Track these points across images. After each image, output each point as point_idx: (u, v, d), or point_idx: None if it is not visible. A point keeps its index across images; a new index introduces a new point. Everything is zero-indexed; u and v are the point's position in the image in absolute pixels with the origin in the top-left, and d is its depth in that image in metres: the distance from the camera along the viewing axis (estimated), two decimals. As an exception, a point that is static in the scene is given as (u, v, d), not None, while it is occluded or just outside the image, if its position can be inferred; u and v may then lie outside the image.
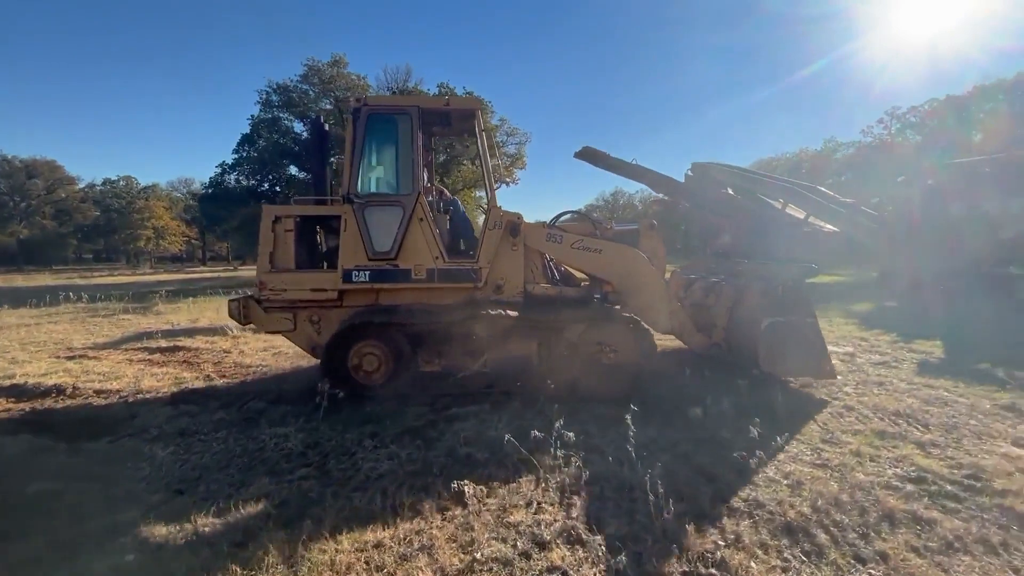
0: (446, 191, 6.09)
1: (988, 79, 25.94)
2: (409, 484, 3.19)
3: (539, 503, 2.97)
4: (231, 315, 4.97)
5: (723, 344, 5.31)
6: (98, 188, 60.01)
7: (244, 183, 23.15)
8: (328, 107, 22.89)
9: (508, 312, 4.64)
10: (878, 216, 6.40)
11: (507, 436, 3.37)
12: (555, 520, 2.80)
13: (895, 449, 3.62)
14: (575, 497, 3.02)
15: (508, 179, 29.53)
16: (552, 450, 3.41)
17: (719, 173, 6.54)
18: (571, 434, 3.40)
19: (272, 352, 7.07)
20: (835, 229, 5.82)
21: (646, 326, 4.87)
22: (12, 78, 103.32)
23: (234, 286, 19.07)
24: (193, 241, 58.72)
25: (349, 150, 4.76)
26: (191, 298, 12.62)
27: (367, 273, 4.75)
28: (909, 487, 3.08)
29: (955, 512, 2.84)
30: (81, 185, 58.15)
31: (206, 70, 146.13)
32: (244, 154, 23.08)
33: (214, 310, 11.13)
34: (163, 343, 7.48)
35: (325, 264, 5.20)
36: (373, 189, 5.16)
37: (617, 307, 5.03)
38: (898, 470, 3.30)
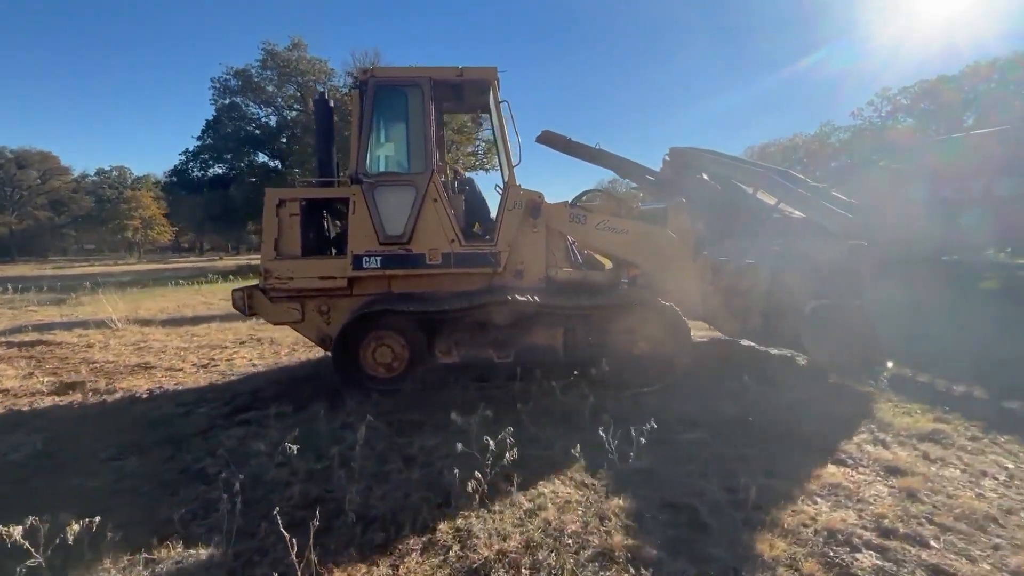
0: (461, 170, 5.66)
1: (983, 59, 24.76)
2: (84, 508, 2.74)
3: (208, 534, 2.51)
4: (235, 306, 4.61)
5: (759, 330, 5.00)
6: (90, 179, 60.15)
7: (207, 171, 22.70)
8: (291, 92, 22.31)
9: (531, 298, 4.32)
10: (847, 202, 6.04)
11: (220, 450, 2.93)
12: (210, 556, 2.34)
13: (687, 465, 3.11)
14: (264, 524, 2.56)
15: (488, 165, 29.07)
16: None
17: (694, 159, 6.28)
18: (295, 447, 2.93)
19: (136, 347, 6.66)
20: (804, 215, 5.53)
21: (679, 312, 4.52)
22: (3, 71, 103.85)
23: (191, 277, 18.80)
24: (190, 231, 58.64)
25: (356, 126, 4.39)
26: (100, 289, 12.23)
27: (378, 259, 4.42)
28: (659, 516, 2.58)
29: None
30: (74, 175, 58.28)
31: (205, 61, 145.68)
32: (207, 141, 22.60)
33: (125, 302, 10.80)
34: (28, 337, 7.11)
35: (333, 250, 4.89)
36: (383, 168, 4.79)
37: (647, 292, 4.66)
38: (665, 494, 2.80)
